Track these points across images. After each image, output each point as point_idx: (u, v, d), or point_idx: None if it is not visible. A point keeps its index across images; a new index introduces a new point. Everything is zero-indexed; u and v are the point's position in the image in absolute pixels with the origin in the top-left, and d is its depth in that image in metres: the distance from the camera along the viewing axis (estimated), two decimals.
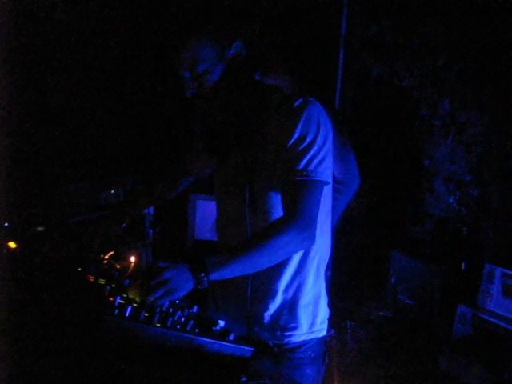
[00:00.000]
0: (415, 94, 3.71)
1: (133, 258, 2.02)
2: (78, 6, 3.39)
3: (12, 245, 1.86)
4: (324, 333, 1.91)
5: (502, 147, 3.32)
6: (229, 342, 1.54)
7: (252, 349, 1.55)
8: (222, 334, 1.56)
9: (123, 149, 3.65)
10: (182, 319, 1.53)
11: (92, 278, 1.63)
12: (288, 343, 1.84)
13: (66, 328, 1.41)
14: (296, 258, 1.82)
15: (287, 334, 1.84)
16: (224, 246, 2.02)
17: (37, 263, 1.75)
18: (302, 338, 1.85)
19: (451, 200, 3.66)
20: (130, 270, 1.91)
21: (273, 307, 1.84)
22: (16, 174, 2.88)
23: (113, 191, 3.28)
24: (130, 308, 1.41)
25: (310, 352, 1.86)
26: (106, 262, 1.98)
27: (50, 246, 2.20)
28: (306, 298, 1.85)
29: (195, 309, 1.68)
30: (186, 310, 1.63)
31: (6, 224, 2.52)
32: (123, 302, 1.47)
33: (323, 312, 1.92)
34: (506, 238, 3.27)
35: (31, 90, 3.21)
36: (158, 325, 1.44)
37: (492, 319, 2.93)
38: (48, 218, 2.86)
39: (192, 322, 1.51)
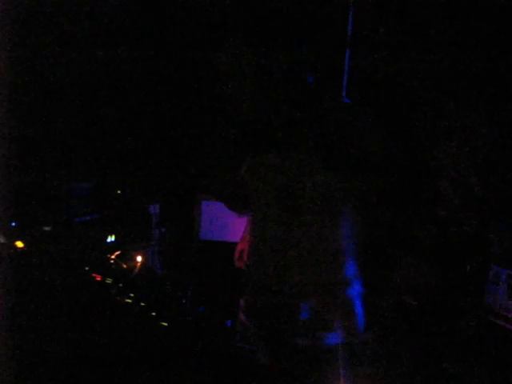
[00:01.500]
0: (420, 94, 3.71)
1: (139, 258, 2.02)
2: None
3: (19, 244, 1.87)
4: None
5: (508, 149, 3.32)
6: (235, 341, 1.54)
7: (254, 348, 1.56)
8: (230, 332, 1.57)
9: (130, 148, 3.66)
10: (190, 318, 1.54)
11: (99, 278, 1.64)
12: None
13: (72, 327, 1.42)
14: None
15: None
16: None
17: (44, 262, 1.76)
18: None
19: (456, 201, 3.66)
20: (136, 270, 1.92)
21: None
22: (22, 174, 2.89)
23: (119, 192, 3.29)
24: (137, 307, 1.42)
25: None
26: (112, 261, 1.98)
27: (57, 245, 2.21)
28: None
29: (202, 308, 1.69)
30: (192, 310, 1.64)
31: (13, 224, 2.54)
32: (130, 301, 1.48)
33: None
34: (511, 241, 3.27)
35: (34, 91, 3.22)
36: (165, 324, 1.44)
37: (498, 321, 2.93)
38: (55, 218, 2.87)
39: (199, 320, 1.52)
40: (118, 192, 3.26)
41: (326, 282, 1.72)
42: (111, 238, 3.21)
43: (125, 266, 1.93)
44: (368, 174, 1.68)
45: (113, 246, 3.09)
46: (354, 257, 1.76)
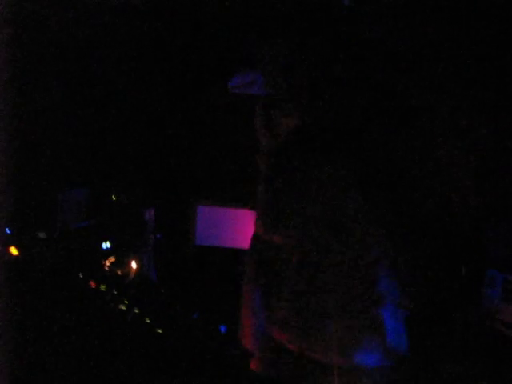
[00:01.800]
0: (415, 98, 3.71)
1: (134, 264, 2.02)
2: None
3: (14, 251, 1.87)
4: None
5: (504, 151, 3.33)
6: (230, 346, 1.54)
7: (251, 353, 1.55)
8: (224, 339, 1.56)
9: (125, 154, 3.65)
10: (184, 324, 1.54)
11: (94, 284, 1.64)
12: None
13: (67, 333, 1.41)
14: None
15: None
16: None
17: (38, 269, 1.76)
18: None
19: (451, 204, 3.66)
20: (131, 276, 1.92)
21: None
22: (17, 180, 2.89)
23: (114, 198, 3.29)
24: (131, 314, 1.41)
25: None
26: (107, 268, 1.98)
27: (52, 252, 2.21)
28: None
29: (196, 314, 1.69)
30: (187, 316, 1.63)
31: (8, 230, 2.53)
32: (125, 307, 1.48)
33: None
34: (508, 244, 3.27)
35: (31, 97, 3.22)
36: (160, 330, 1.44)
37: (494, 325, 2.93)
38: (50, 224, 2.86)
39: (193, 326, 1.52)
40: (113, 198, 3.25)
41: (357, 298, 1.64)
42: (106, 245, 3.20)
43: (119, 273, 1.92)
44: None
45: (108, 253, 3.08)
46: (387, 271, 1.69)
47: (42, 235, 2.68)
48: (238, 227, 2.72)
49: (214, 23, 3.78)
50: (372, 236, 1.63)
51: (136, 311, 1.47)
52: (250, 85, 3.35)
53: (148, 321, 1.45)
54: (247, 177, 2.61)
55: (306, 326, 1.63)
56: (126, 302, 1.53)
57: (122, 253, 3.21)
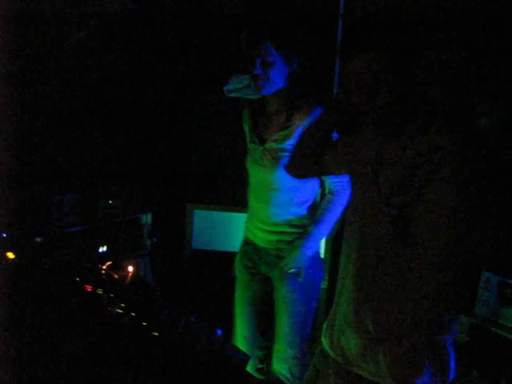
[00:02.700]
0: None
1: (130, 268, 2.02)
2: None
3: (10, 255, 1.87)
4: None
5: (498, 152, 3.34)
6: (226, 350, 1.55)
7: (248, 357, 1.56)
8: (220, 343, 1.57)
9: (121, 159, 3.66)
10: (180, 328, 1.54)
11: (90, 288, 1.64)
12: None
13: (64, 337, 1.42)
14: None
15: None
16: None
17: (35, 273, 1.76)
18: None
19: None
20: (127, 280, 1.92)
21: None
22: (13, 185, 2.89)
23: (111, 202, 3.29)
24: (127, 317, 1.42)
25: None
26: (103, 271, 1.98)
27: (48, 256, 2.21)
28: None
29: (193, 317, 1.69)
30: (184, 320, 1.64)
31: (4, 234, 2.53)
32: (121, 311, 1.48)
33: None
34: (503, 246, 3.28)
35: (28, 100, 3.22)
36: (156, 333, 1.45)
37: (489, 327, 2.93)
38: (46, 229, 2.87)
39: (190, 330, 1.52)
40: (110, 202, 3.26)
41: (418, 321, 1.54)
42: (103, 249, 3.21)
43: (116, 277, 1.92)
44: None
45: (104, 257, 3.09)
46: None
47: (38, 239, 2.69)
48: (235, 231, 2.74)
49: (211, 27, 3.80)
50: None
51: (132, 314, 1.48)
52: (246, 89, 3.37)
53: (144, 324, 1.45)
54: (244, 181, 2.63)
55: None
56: (122, 305, 1.54)
57: (118, 256, 3.22)
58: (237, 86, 3.37)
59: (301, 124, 2.31)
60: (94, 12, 3.47)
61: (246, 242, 2.60)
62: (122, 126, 3.73)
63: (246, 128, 2.56)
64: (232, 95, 3.38)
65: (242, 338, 2.63)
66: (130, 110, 3.75)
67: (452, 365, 1.61)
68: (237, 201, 3.17)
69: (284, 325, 2.50)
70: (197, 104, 3.37)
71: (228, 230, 3.36)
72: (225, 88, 3.40)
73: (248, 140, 2.53)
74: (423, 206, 1.46)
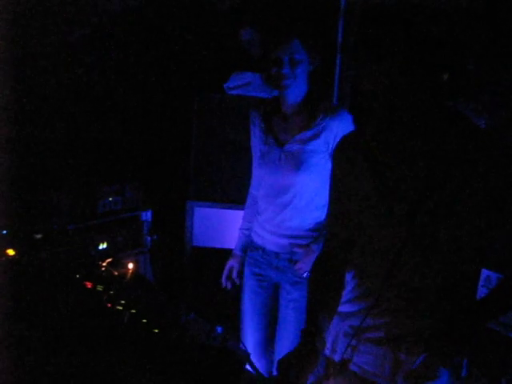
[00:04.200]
0: None
1: (131, 265, 2.02)
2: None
3: (10, 252, 1.87)
4: None
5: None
6: (226, 347, 1.54)
7: (249, 353, 1.56)
8: (221, 339, 1.56)
9: (122, 155, 3.66)
10: (180, 325, 1.54)
11: (90, 285, 1.64)
12: None
13: (64, 334, 1.42)
14: None
15: None
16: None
17: (35, 270, 1.76)
18: None
19: None
20: (127, 277, 1.92)
21: None
22: (13, 181, 2.89)
23: (111, 199, 3.29)
24: (128, 314, 1.42)
25: None
26: (104, 268, 1.98)
27: (48, 253, 2.21)
28: None
29: (192, 316, 1.69)
30: (184, 317, 1.64)
31: (4, 231, 2.53)
32: (121, 308, 1.48)
33: None
34: (503, 243, 3.27)
35: (27, 97, 3.22)
36: (156, 330, 1.45)
37: (489, 325, 2.93)
38: (46, 226, 2.86)
39: (190, 327, 1.52)
40: (110, 199, 3.25)
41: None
42: (103, 246, 3.20)
43: (116, 273, 1.93)
44: None
45: (104, 254, 3.08)
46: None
47: (38, 236, 2.69)
48: (235, 228, 2.73)
49: (212, 23, 3.80)
50: None
51: (133, 311, 1.48)
52: (247, 86, 3.36)
53: (145, 321, 1.45)
54: (244, 178, 2.62)
55: None
56: (122, 302, 1.54)
57: (118, 254, 3.22)
58: (237, 83, 3.37)
59: (327, 124, 2.28)
60: (94, 9, 3.46)
61: (254, 247, 2.54)
62: (122, 123, 3.73)
63: (257, 129, 2.47)
64: (232, 92, 3.39)
65: (255, 345, 2.59)
66: (129, 106, 3.74)
67: (464, 362, 1.61)
68: (237, 198, 3.17)
69: (290, 331, 2.43)
70: (197, 101, 3.36)
71: (229, 227, 3.36)
72: (225, 85, 3.40)
73: (261, 142, 2.44)
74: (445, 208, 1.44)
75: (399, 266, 1.52)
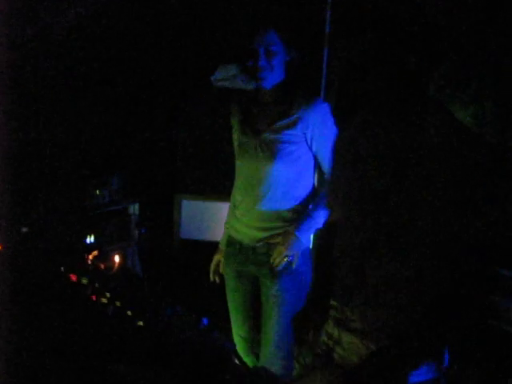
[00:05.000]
0: None
1: (117, 258, 2.01)
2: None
3: None
4: None
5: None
6: (213, 339, 1.54)
7: (235, 345, 1.56)
8: (207, 332, 1.56)
9: (109, 148, 3.65)
10: (166, 317, 1.54)
11: (75, 278, 1.63)
12: None
13: (47, 327, 1.41)
14: None
15: None
16: None
17: (20, 264, 1.75)
18: None
19: None
20: (114, 270, 1.91)
21: None
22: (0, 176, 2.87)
23: (98, 192, 3.28)
24: (112, 307, 1.41)
25: None
26: (89, 261, 1.97)
27: (34, 246, 2.19)
28: None
29: (178, 308, 1.69)
30: (169, 309, 1.63)
31: None
32: (106, 300, 1.48)
33: None
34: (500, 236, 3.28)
35: (12, 90, 3.19)
36: (141, 323, 1.44)
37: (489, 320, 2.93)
38: (32, 219, 2.85)
39: (175, 319, 1.52)
40: (97, 192, 3.24)
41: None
42: (90, 239, 3.19)
43: (102, 266, 1.92)
44: None
45: (92, 247, 3.07)
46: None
47: (24, 230, 2.67)
48: (223, 221, 2.72)
49: (198, 17, 3.78)
50: None
51: (117, 304, 1.47)
52: (233, 78, 3.35)
53: (129, 313, 1.45)
54: (232, 170, 2.61)
55: None
56: (107, 294, 1.53)
57: (106, 247, 3.21)
58: (224, 76, 3.36)
59: (303, 115, 2.26)
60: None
61: (230, 242, 2.51)
62: (109, 116, 3.71)
63: (235, 121, 2.47)
64: (219, 84, 3.38)
65: (239, 338, 2.57)
66: (117, 100, 3.73)
67: (446, 353, 1.61)
68: (225, 190, 3.17)
69: (273, 326, 2.41)
70: (184, 94, 3.35)
71: (216, 220, 3.35)
72: (212, 77, 3.39)
73: (238, 132, 2.43)
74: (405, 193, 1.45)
75: (371, 257, 1.52)
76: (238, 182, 2.47)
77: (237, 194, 2.48)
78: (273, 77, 2.26)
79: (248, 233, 2.41)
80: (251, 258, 2.42)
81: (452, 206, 1.38)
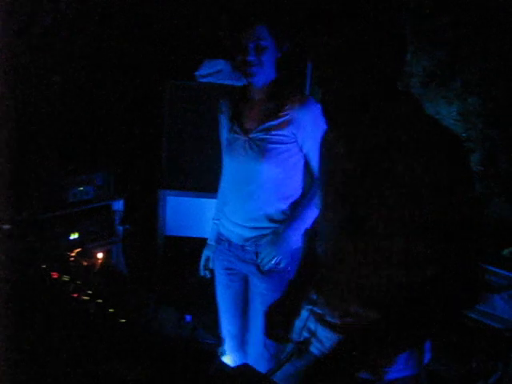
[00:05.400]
0: None
1: (100, 255, 2.00)
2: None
3: None
4: None
5: (469, 141, 3.36)
6: (197, 336, 1.53)
7: (218, 343, 1.55)
8: (190, 328, 1.55)
9: (93, 144, 3.62)
10: (148, 314, 1.53)
11: (56, 275, 1.62)
12: None
13: (28, 324, 1.39)
14: None
15: None
16: None
17: (2, 261, 1.73)
18: None
19: None
20: (97, 267, 1.90)
21: None
22: None
23: (82, 188, 3.24)
24: (94, 304, 1.40)
25: None
26: (72, 259, 1.96)
27: (17, 243, 2.17)
28: None
29: (161, 304, 1.68)
30: (152, 306, 1.62)
31: None
32: (88, 298, 1.46)
33: None
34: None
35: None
36: (123, 320, 1.43)
37: (468, 313, 2.94)
38: (15, 216, 2.82)
39: (158, 316, 1.51)
40: (81, 189, 3.21)
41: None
42: (74, 236, 3.17)
43: (85, 264, 1.90)
44: None
45: (76, 244, 3.05)
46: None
47: (6, 227, 2.64)
48: (207, 217, 2.71)
49: (185, 11, 3.76)
50: None
51: (99, 301, 1.46)
52: (218, 74, 3.33)
53: (111, 310, 1.43)
54: (217, 166, 2.59)
55: None
56: (89, 292, 1.52)
57: (90, 244, 3.18)
58: (209, 71, 3.34)
59: (295, 115, 2.21)
60: None
61: (220, 240, 2.50)
62: (93, 111, 3.68)
63: (224, 118, 2.42)
64: (204, 80, 3.36)
65: (229, 335, 2.57)
66: (101, 94, 3.70)
67: (427, 346, 1.61)
68: (210, 186, 3.15)
69: (261, 325, 2.39)
70: (168, 88, 3.32)
71: (201, 216, 3.34)
72: (196, 73, 3.37)
73: (227, 130, 2.39)
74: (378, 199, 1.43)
75: (340, 253, 1.52)
76: (226, 179, 2.45)
77: (226, 191, 2.46)
78: (263, 73, 2.21)
79: (237, 231, 2.39)
80: (240, 256, 2.41)
81: (420, 198, 1.37)
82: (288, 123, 2.22)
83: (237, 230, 2.39)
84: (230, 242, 2.44)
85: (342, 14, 1.36)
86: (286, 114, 2.22)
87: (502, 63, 3.15)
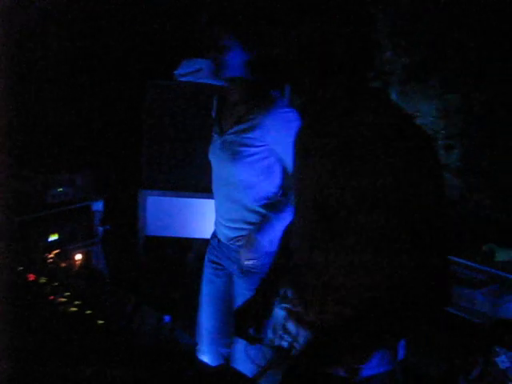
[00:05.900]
0: None
1: (79, 256, 1.99)
2: None
3: None
4: None
5: (449, 138, 3.39)
6: (175, 336, 1.53)
7: (196, 344, 1.55)
8: (168, 329, 1.55)
9: (72, 143, 3.59)
10: (126, 315, 1.52)
11: (33, 277, 1.60)
12: None
13: (3, 329, 1.38)
14: None
15: None
16: None
17: None
18: None
19: None
20: (75, 269, 1.88)
21: None
22: None
23: (61, 188, 3.21)
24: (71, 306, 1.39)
25: None
26: (50, 260, 1.94)
27: None
28: None
29: (139, 305, 1.66)
30: (130, 307, 1.61)
31: None
32: (65, 299, 1.45)
33: None
34: (456, 227, 3.33)
35: None
36: (101, 321, 1.42)
37: (449, 309, 2.96)
38: None
39: (137, 316, 1.50)
40: (60, 189, 3.18)
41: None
42: (54, 237, 3.14)
43: (63, 265, 1.88)
44: None
45: (55, 245, 3.02)
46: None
47: None
48: (188, 216, 2.70)
49: (165, 11, 3.74)
50: None
51: (77, 303, 1.45)
52: (197, 73, 3.33)
53: (89, 312, 1.42)
54: (197, 165, 2.59)
55: None
56: (67, 293, 1.50)
57: (69, 245, 3.15)
58: (188, 70, 3.33)
59: (261, 120, 2.20)
60: None
61: (213, 235, 2.53)
62: (72, 110, 3.66)
63: (213, 117, 2.46)
64: (183, 79, 3.34)
65: (206, 333, 2.56)
66: (80, 93, 3.67)
67: (401, 343, 1.61)
68: (190, 186, 3.14)
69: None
70: (148, 87, 3.31)
71: (182, 216, 3.33)
72: (176, 72, 3.36)
73: (212, 130, 2.42)
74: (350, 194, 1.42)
75: (313, 252, 1.52)
76: (212, 178, 2.46)
77: (213, 190, 2.48)
78: (226, 72, 2.21)
79: (222, 230, 2.43)
80: (226, 253, 2.43)
81: (385, 199, 1.36)
82: (254, 128, 2.22)
83: (222, 229, 2.43)
84: (219, 239, 2.47)
85: (309, 10, 1.36)
86: (254, 118, 2.22)
87: (480, 60, 3.17)
